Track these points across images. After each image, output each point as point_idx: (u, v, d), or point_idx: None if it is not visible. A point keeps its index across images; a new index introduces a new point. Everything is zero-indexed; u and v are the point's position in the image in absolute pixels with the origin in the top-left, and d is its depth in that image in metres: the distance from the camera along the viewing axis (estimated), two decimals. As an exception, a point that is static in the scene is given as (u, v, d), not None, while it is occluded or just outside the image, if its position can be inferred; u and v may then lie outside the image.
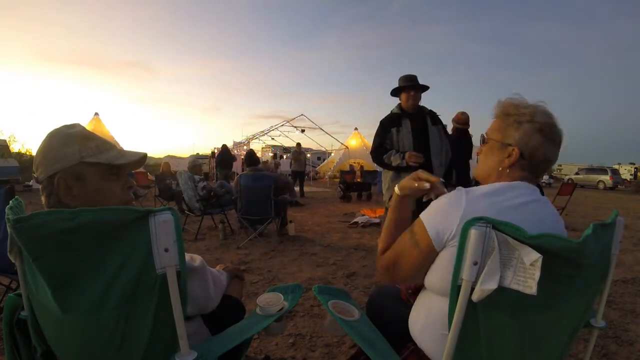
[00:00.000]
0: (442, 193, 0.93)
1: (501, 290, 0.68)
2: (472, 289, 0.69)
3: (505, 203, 0.82)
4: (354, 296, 2.55)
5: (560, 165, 34.23)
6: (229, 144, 11.17)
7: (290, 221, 5.11)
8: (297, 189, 9.81)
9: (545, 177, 22.86)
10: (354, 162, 17.14)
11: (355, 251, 4.15)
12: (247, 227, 4.48)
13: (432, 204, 0.89)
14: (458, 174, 3.54)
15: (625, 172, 27.61)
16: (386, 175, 2.87)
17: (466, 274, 0.69)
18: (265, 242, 4.47)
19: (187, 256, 0.95)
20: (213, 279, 1.08)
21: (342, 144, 18.79)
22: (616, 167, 25.99)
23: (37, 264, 0.70)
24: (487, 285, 0.67)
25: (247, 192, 4.27)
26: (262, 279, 3.11)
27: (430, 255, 0.85)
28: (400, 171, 2.69)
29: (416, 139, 2.68)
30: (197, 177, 4.99)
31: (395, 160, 2.62)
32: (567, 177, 22.21)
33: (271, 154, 21.40)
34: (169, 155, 32.54)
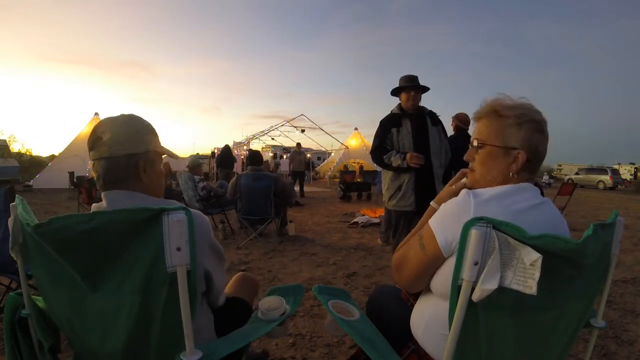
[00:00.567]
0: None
1: (501, 290, 0.68)
2: (473, 289, 0.69)
3: (517, 206, 0.81)
4: (354, 296, 2.55)
5: (560, 165, 34.22)
6: (229, 144, 11.18)
7: (290, 221, 5.12)
8: (297, 189, 9.81)
9: (545, 177, 22.85)
10: (353, 162, 17.13)
11: (355, 251, 4.15)
12: (247, 227, 4.48)
13: (440, 208, 0.87)
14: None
15: (625, 172, 27.60)
16: (386, 176, 2.87)
17: (467, 274, 0.69)
18: (265, 242, 4.47)
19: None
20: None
21: (342, 144, 18.80)
22: (616, 167, 26.00)
23: (64, 259, 0.76)
24: (487, 285, 0.67)
25: (247, 192, 4.26)
26: (262, 279, 3.11)
27: (436, 261, 0.84)
28: (400, 172, 2.69)
29: (416, 139, 2.68)
30: (197, 177, 4.99)
31: (395, 161, 2.63)
32: (567, 177, 22.19)
33: (271, 154, 21.39)
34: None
